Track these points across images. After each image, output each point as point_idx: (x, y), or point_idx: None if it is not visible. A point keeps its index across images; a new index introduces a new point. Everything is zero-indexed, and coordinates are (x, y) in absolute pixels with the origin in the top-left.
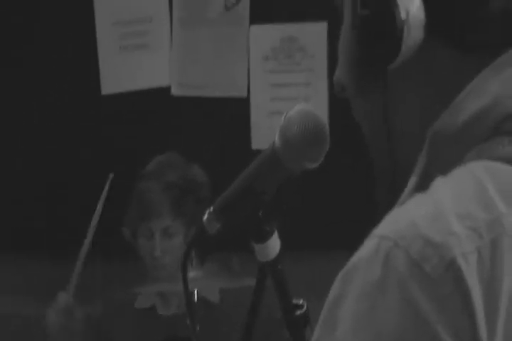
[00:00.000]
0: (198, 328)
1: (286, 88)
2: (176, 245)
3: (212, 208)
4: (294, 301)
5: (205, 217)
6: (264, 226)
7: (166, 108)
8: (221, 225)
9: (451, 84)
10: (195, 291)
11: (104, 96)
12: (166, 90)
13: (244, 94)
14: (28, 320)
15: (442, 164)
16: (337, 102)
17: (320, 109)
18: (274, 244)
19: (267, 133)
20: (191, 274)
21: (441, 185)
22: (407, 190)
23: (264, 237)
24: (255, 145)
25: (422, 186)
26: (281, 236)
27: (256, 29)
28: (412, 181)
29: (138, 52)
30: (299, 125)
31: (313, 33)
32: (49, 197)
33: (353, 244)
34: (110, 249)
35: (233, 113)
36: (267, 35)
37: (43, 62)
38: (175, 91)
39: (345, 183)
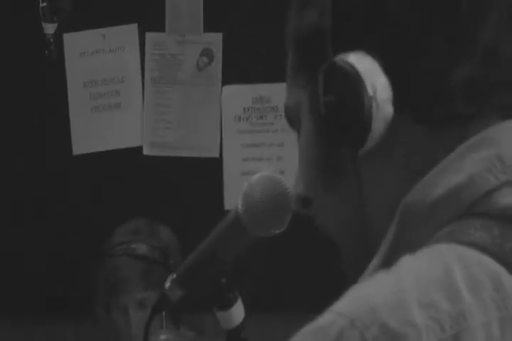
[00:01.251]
0: None
1: (259, 148)
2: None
3: (174, 275)
4: None
5: (167, 284)
6: (228, 293)
7: (137, 168)
8: (183, 292)
9: (421, 159)
10: None
11: (75, 157)
12: (138, 150)
13: (217, 154)
14: None
15: (411, 239)
16: None
17: (293, 170)
18: (237, 312)
19: (239, 193)
20: (162, 337)
21: (407, 267)
22: (372, 265)
23: (227, 305)
24: (228, 205)
25: (389, 261)
26: (245, 298)
27: (228, 89)
28: (380, 254)
29: (109, 112)
30: (262, 191)
31: (283, 92)
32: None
33: (317, 306)
34: (81, 308)
35: (206, 173)
36: (239, 95)
37: (14, 120)
38: (147, 151)
39: (311, 246)
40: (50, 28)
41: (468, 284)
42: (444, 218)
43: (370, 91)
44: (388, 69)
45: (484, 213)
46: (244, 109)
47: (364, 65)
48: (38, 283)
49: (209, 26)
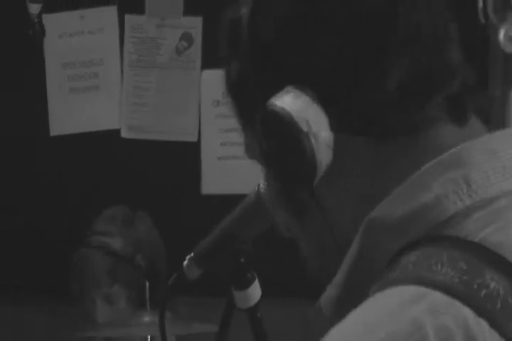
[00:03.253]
0: None
1: (237, 133)
2: (119, 309)
3: (192, 254)
4: None
5: (185, 262)
6: (246, 273)
7: (115, 151)
8: (202, 271)
9: (375, 175)
10: (149, 337)
11: (52, 138)
12: (116, 133)
13: (195, 138)
14: None
15: (374, 256)
16: None
17: None
18: (254, 292)
19: (217, 178)
20: (146, 319)
21: (377, 319)
22: (335, 280)
23: (245, 284)
24: (205, 190)
25: (353, 278)
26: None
27: (207, 74)
28: (342, 271)
29: (88, 94)
30: None
31: None
32: None
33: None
34: (58, 290)
35: (183, 157)
36: (218, 79)
37: None
38: (125, 134)
39: None
40: (35, 8)
41: (439, 338)
42: (409, 236)
43: (304, 127)
44: (318, 95)
45: (448, 237)
46: (223, 93)
47: (294, 101)
48: (15, 266)
49: (189, 10)
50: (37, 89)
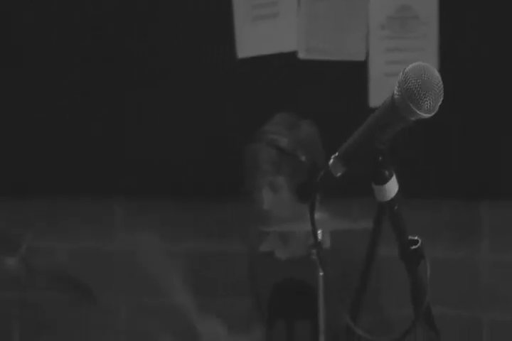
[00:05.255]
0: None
1: (400, 53)
2: (281, 197)
3: (337, 153)
4: (410, 237)
5: (331, 161)
6: (384, 170)
7: (292, 70)
8: (345, 168)
9: None
10: (320, 231)
11: (239, 60)
12: (293, 54)
13: (363, 58)
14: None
15: None
16: (447, 64)
17: None
18: (391, 187)
19: (383, 92)
20: (316, 215)
21: None
22: None
23: (383, 180)
24: (372, 103)
25: None
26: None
27: (374, 1)
28: None
29: (269, 20)
30: (416, 77)
31: (426, 1)
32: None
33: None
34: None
35: (352, 74)
36: (384, 4)
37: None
38: (301, 55)
39: (459, 134)
40: None
41: None
42: None
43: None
44: None
45: None
46: (387, 17)
47: None
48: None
49: None
50: (224, 18)
